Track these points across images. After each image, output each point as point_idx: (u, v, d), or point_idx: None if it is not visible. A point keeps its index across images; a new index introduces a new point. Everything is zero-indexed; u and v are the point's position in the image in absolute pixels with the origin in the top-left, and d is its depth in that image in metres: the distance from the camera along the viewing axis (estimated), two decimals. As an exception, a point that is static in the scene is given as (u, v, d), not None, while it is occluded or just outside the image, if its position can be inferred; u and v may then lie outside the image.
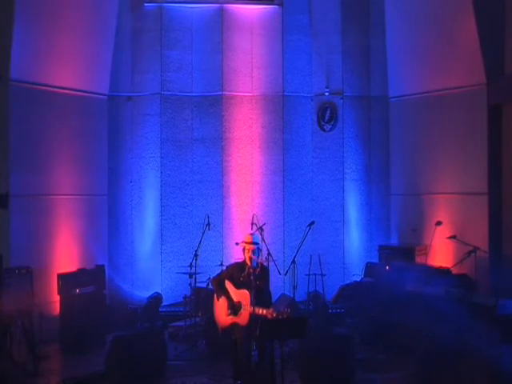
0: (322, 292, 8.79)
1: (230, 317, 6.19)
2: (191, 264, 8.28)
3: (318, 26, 10.11)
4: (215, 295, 6.40)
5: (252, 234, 6.52)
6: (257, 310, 5.91)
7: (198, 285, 8.41)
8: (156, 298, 9.28)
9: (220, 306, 6.32)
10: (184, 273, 8.42)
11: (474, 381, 5.54)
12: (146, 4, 9.92)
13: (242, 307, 6.11)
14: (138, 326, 8.70)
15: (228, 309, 6.21)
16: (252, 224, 8.42)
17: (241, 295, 6.16)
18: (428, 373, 5.89)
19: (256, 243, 6.29)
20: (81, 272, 8.50)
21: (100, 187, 9.66)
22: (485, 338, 5.70)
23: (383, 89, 10.13)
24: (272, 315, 5.77)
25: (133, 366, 6.38)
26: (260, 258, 6.39)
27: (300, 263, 8.33)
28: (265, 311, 5.86)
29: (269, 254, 7.84)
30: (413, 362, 6.20)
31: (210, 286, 7.51)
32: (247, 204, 9.92)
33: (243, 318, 6.10)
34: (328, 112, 10.13)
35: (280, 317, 5.68)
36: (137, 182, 9.94)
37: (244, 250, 6.32)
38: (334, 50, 10.13)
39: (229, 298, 6.24)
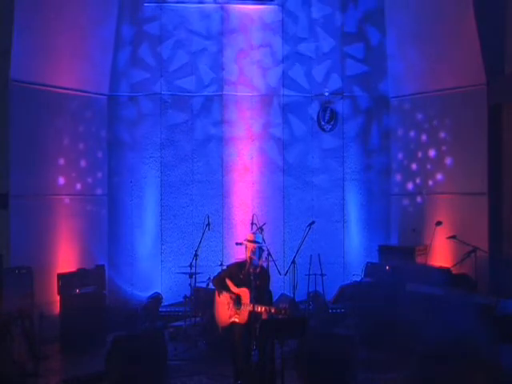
0: (322, 292, 8.79)
1: (232, 309, 6.19)
2: (191, 264, 8.28)
3: (318, 25, 10.11)
4: (216, 292, 6.41)
5: (254, 234, 6.55)
6: (256, 307, 5.93)
7: (198, 285, 8.41)
8: (156, 298, 9.27)
9: (221, 303, 6.33)
10: (184, 273, 8.42)
11: (474, 381, 5.55)
12: (145, 4, 9.91)
13: (242, 305, 6.13)
14: (138, 325, 8.70)
15: (231, 299, 6.21)
16: (252, 224, 8.43)
17: (240, 293, 6.18)
18: (428, 373, 5.89)
19: (257, 242, 6.31)
20: (81, 272, 8.51)
21: (100, 187, 9.66)
22: (485, 337, 5.70)
23: (383, 89, 10.13)
24: (271, 311, 5.83)
25: (133, 365, 6.37)
26: (261, 259, 6.40)
27: (300, 263, 8.33)
28: (264, 308, 5.90)
29: (269, 253, 7.84)
30: (413, 361, 6.20)
31: (211, 286, 7.53)
32: (247, 204, 9.92)
33: (242, 315, 6.12)
34: (328, 112, 10.12)
35: (279, 314, 5.74)
36: (137, 182, 9.93)
37: (246, 248, 6.33)
38: (334, 50, 10.12)
39: (230, 291, 6.24)
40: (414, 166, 9.77)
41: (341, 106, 10.15)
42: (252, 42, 10.04)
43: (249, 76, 10.04)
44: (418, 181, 9.70)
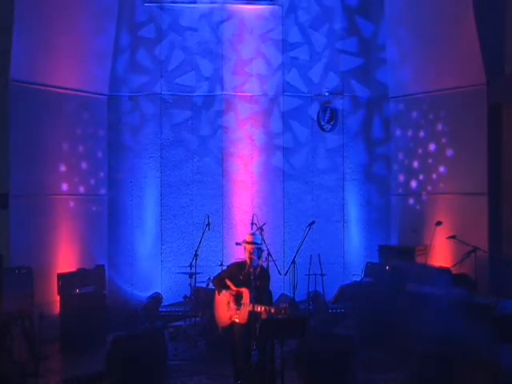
0: (322, 292, 8.79)
1: (233, 308, 6.19)
2: (191, 264, 8.27)
3: (318, 25, 10.11)
4: (216, 291, 6.41)
5: (253, 234, 6.53)
6: (256, 307, 5.93)
7: (198, 285, 8.41)
8: (156, 298, 9.27)
9: (221, 303, 6.33)
10: (184, 273, 8.42)
11: (474, 381, 5.55)
12: (146, 4, 9.91)
13: (242, 305, 6.13)
14: (138, 325, 8.70)
15: (231, 297, 6.21)
16: (252, 224, 8.42)
17: (241, 292, 6.18)
18: (428, 373, 5.90)
19: (256, 243, 6.30)
20: (81, 272, 8.52)
21: (100, 187, 9.66)
22: (485, 337, 5.70)
23: (383, 89, 10.13)
24: (270, 311, 5.84)
25: (133, 366, 6.37)
26: (261, 259, 6.40)
27: (300, 263, 8.32)
28: (263, 308, 5.91)
29: (269, 253, 7.83)
30: (413, 362, 6.20)
31: (211, 286, 7.52)
32: (247, 204, 9.91)
33: (242, 315, 6.12)
34: (328, 112, 10.12)
35: (279, 314, 5.76)
36: (137, 182, 9.93)
37: (244, 249, 6.34)
38: (334, 50, 10.12)
39: (230, 289, 6.24)
40: (413, 166, 9.77)
41: (341, 106, 10.14)
42: (252, 42, 10.02)
43: (249, 76, 10.03)
44: (418, 181, 9.70)
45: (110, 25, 9.61)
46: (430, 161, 9.50)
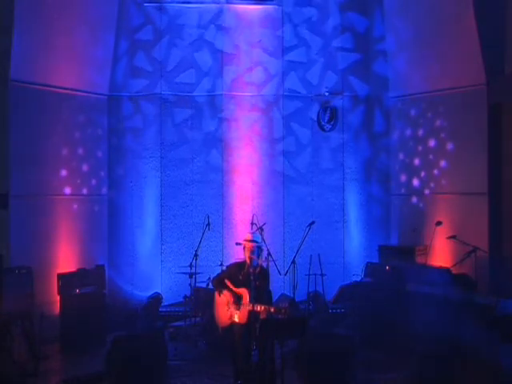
0: (322, 292, 8.79)
1: (233, 308, 6.19)
2: (191, 264, 8.28)
3: (318, 25, 10.11)
4: (216, 291, 6.42)
5: (252, 233, 6.59)
6: (256, 306, 5.94)
7: (198, 285, 8.42)
8: (156, 298, 9.28)
9: (221, 303, 6.34)
10: (184, 273, 8.43)
11: (474, 381, 5.55)
12: (146, 4, 9.91)
13: (242, 306, 6.13)
14: (138, 325, 8.70)
15: (232, 298, 6.22)
16: (252, 224, 8.42)
17: (241, 293, 6.18)
18: (428, 373, 5.90)
19: (255, 241, 6.32)
20: (81, 272, 8.51)
21: (100, 187, 9.66)
22: (485, 337, 5.70)
23: (383, 89, 10.12)
24: (270, 311, 5.85)
25: (133, 366, 6.38)
26: (261, 258, 6.40)
27: (300, 263, 8.32)
28: (263, 307, 5.91)
29: (269, 253, 7.84)
30: (413, 362, 6.21)
31: (210, 286, 7.53)
32: (247, 204, 9.91)
33: (242, 315, 6.12)
34: (328, 112, 10.12)
35: (279, 313, 5.78)
36: (137, 182, 9.94)
37: (244, 248, 6.35)
38: (334, 50, 10.12)
39: (230, 290, 6.25)
40: (413, 166, 9.75)
41: (341, 106, 10.14)
42: (252, 42, 10.02)
43: (249, 76, 10.03)
44: (418, 181, 9.69)
45: (110, 24, 9.59)
46: (429, 161, 9.49)
